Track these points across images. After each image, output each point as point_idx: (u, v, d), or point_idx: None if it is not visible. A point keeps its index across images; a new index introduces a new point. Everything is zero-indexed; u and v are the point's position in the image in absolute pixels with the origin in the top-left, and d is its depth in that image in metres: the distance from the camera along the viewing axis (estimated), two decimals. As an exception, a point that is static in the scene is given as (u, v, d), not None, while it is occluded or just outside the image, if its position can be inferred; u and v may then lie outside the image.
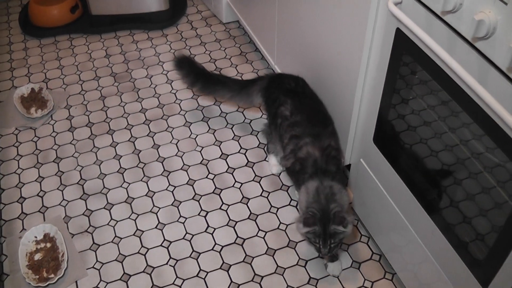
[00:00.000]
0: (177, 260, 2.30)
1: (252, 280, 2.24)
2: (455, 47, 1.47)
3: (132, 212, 2.49)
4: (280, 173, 2.66)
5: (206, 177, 2.63)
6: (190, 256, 2.32)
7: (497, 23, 1.30)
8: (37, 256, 2.30)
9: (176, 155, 2.75)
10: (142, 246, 2.36)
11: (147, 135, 2.86)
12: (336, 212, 2.02)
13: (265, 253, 2.32)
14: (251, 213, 2.47)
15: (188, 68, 2.73)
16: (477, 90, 1.35)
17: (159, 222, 2.45)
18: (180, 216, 2.47)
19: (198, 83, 2.74)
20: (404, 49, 1.70)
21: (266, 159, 2.71)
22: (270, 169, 2.68)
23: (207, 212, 2.48)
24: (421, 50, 1.61)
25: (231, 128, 2.88)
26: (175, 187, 2.59)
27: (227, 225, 2.43)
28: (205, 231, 2.41)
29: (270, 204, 2.51)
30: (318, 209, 2.04)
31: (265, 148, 2.77)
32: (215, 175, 2.64)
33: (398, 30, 1.70)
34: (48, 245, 2.33)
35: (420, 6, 1.57)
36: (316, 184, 2.10)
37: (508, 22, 1.27)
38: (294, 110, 2.34)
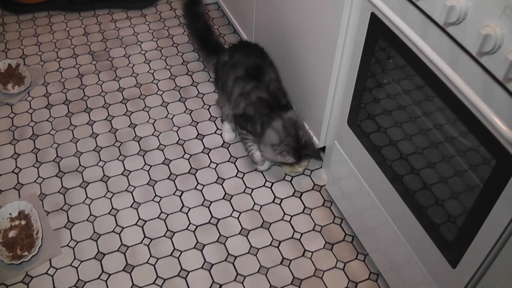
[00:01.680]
0: (151, 239, 2.32)
1: (225, 260, 2.26)
2: (427, 32, 1.49)
3: (108, 191, 2.50)
4: (232, 140, 2.73)
5: (182, 157, 2.65)
6: (164, 235, 2.33)
7: (468, 8, 1.32)
8: (11, 233, 2.30)
9: (152, 134, 2.75)
10: (117, 224, 2.37)
11: (124, 114, 2.87)
12: (308, 140, 2.38)
13: (239, 233, 2.34)
14: (225, 193, 2.49)
15: (190, 7, 3.01)
16: (448, 74, 1.38)
17: (134, 201, 2.46)
18: (156, 195, 2.48)
19: (190, 29, 3.04)
20: (378, 33, 1.72)
21: (218, 131, 2.74)
22: (222, 136, 2.74)
23: (182, 192, 2.49)
24: (395, 34, 1.63)
25: (208, 109, 2.89)
26: (151, 166, 2.60)
27: (202, 205, 2.44)
28: (180, 210, 2.42)
29: (245, 185, 2.52)
30: (292, 141, 2.35)
31: (217, 121, 2.84)
32: (191, 155, 2.66)
33: (372, 15, 1.72)
34: (23, 222, 2.34)
35: (394, -9, 1.59)
36: (281, 122, 2.38)
37: (478, 9, 1.29)
38: (232, 54, 2.62)
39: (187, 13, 3.03)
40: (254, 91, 2.45)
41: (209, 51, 2.89)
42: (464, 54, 1.38)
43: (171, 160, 2.63)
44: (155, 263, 2.25)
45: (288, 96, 2.57)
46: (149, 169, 2.59)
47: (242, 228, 2.36)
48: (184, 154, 2.66)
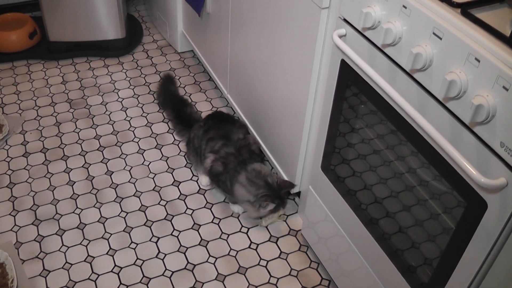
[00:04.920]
0: (127, 286, 2.31)
1: (202, 306, 2.26)
2: (395, 78, 1.53)
3: (84, 238, 2.49)
4: (208, 185, 2.74)
5: (158, 203, 2.65)
6: (140, 282, 2.32)
7: (433, 56, 1.36)
8: (-14, 282, 2.29)
9: (129, 181, 2.76)
10: (92, 272, 2.36)
11: (101, 161, 2.87)
12: (278, 181, 2.42)
13: (215, 279, 2.34)
14: (202, 239, 2.49)
15: (164, 86, 3.20)
16: (417, 119, 1.41)
17: (110, 248, 2.45)
18: (132, 242, 2.48)
19: (164, 107, 3.20)
20: (349, 80, 1.75)
21: (193, 178, 2.76)
22: (199, 181, 2.77)
23: (158, 238, 2.49)
24: (365, 80, 1.66)
25: (184, 156, 2.91)
26: (127, 213, 2.60)
27: (178, 251, 2.44)
28: (156, 256, 2.42)
29: (221, 231, 2.53)
30: (266, 190, 2.38)
31: (192, 167, 2.86)
32: (167, 201, 2.66)
33: (342, 62, 1.75)
34: (-2, 271, 2.33)
35: (363, 39, 1.63)
36: (244, 174, 2.44)
37: (443, 56, 1.33)
38: (206, 121, 2.72)
39: (161, 92, 3.18)
40: (223, 148, 2.54)
41: (184, 125, 2.97)
42: (431, 99, 1.42)
43: (147, 207, 2.63)
44: (131, 310, 2.24)
45: (259, 155, 2.63)
46: (125, 216, 2.59)
47: (218, 273, 2.36)
48: (160, 201, 2.66)
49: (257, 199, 2.38)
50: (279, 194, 2.40)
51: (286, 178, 2.52)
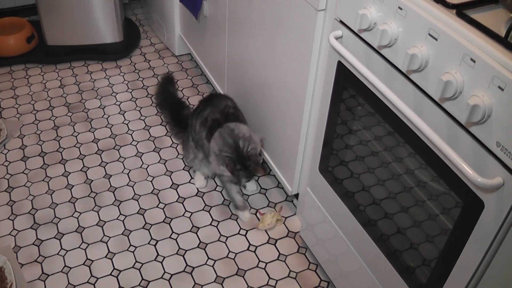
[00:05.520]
0: (126, 289, 2.32)
1: (201, 308, 2.26)
2: (392, 80, 1.53)
3: (83, 242, 2.49)
4: (203, 187, 2.75)
5: (157, 206, 2.65)
6: (139, 285, 2.32)
7: (429, 57, 1.36)
8: (-15, 286, 2.29)
9: (127, 184, 2.76)
10: (91, 275, 2.36)
11: (99, 165, 2.87)
12: (250, 152, 2.37)
13: (214, 281, 2.34)
14: (200, 241, 2.49)
15: (163, 87, 3.12)
16: (414, 120, 1.41)
17: (109, 251, 2.45)
18: (130, 245, 2.48)
19: (161, 109, 3.14)
20: (345, 81, 1.76)
21: (192, 180, 2.77)
22: (194, 183, 2.76)
23: (157, 241, 2.49)
24: (361, 82, 1.67)
25: (182, 159, 2.91)
26: (125, 216, 2.60)
27: (176, 253, 2.44)
28: (155, 259, 2.42)
29: (220, 233, 2.53)
30: (231, 152, 2.37)
31: (190, 170, 2.86)
32: (165, 204, 2.66)
33: (339, 63, 1.76)
34: (-4, 275, 2.33)
35: (359, 41, 1.64)
36: (219, 130, 2.42)
37: (439, 56, 1.34)
38: (201, 105, 2.68)
39: (160, 93, 3.13)
40: (210, 115, 2.52)
41: (181, 128, 2.94)
42: (427, 100, 1.42)
43: (145, 210, 2.63)
44: (130, 313, 2.24)
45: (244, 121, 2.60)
46: (124, 219, 2.59)
47: (217, 276, 2.36)
48: (158, 204, 2.66)
49: (221, 156, 2.37)
50: (245, 163, 2.39)
51: (284, 179, 2.52)
